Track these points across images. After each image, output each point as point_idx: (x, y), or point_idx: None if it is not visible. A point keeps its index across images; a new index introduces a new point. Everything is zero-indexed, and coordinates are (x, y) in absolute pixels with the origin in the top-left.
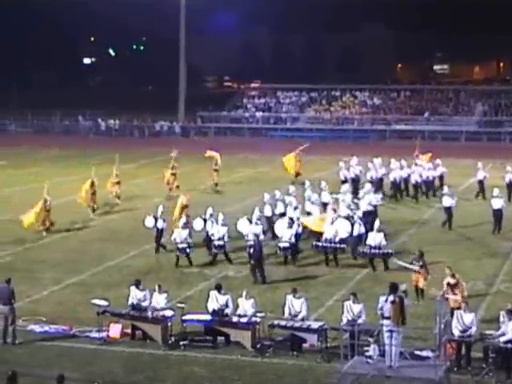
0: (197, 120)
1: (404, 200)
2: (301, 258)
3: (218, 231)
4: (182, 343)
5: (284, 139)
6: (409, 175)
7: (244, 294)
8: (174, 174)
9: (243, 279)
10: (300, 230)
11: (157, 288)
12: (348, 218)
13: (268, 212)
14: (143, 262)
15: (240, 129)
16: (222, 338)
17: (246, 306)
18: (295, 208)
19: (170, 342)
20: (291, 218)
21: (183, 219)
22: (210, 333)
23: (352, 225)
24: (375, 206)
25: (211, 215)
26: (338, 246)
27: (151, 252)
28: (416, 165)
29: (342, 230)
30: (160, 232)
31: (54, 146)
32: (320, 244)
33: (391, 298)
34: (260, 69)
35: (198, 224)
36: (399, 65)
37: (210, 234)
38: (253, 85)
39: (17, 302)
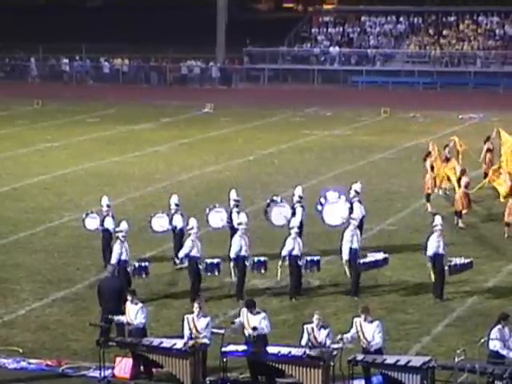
0: (243, 59)
1: None
2: None
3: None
4: None
5: (371, 87)
6: None
7: (315, 318)
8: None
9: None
10: None
11: (196, 308)
12: None
13: None
14: (164, 266)
15: (306, 72)
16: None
17: (320, 337)
18: None
19: None
20: None
21: None
22: (260, 370)
23: None
24: None
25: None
26: None
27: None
28: None
29: None
30: (180, 234)
31: (34, 96)
32: None
33: None
34: None
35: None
36: None
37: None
38: (326, 6)
39: None
